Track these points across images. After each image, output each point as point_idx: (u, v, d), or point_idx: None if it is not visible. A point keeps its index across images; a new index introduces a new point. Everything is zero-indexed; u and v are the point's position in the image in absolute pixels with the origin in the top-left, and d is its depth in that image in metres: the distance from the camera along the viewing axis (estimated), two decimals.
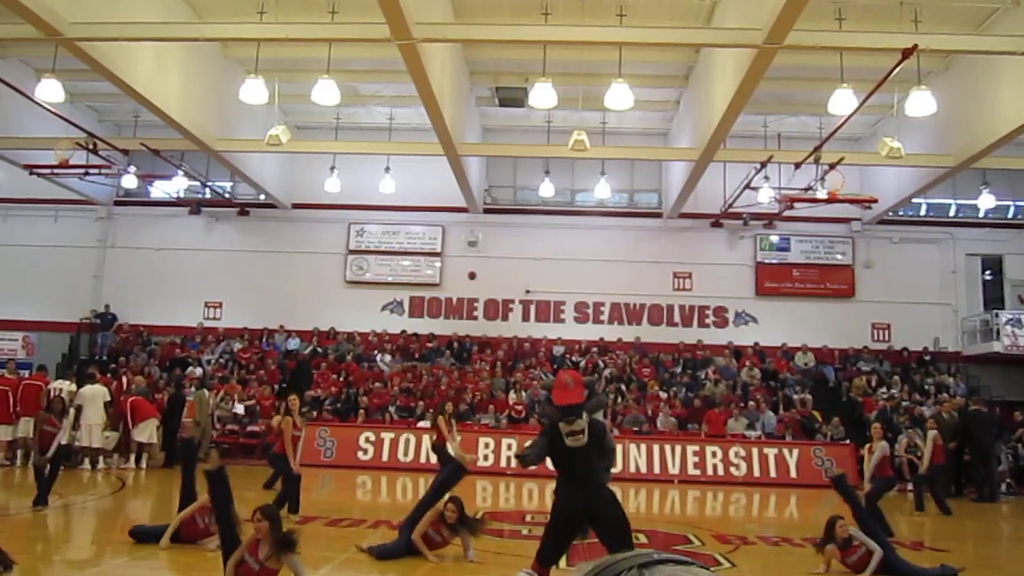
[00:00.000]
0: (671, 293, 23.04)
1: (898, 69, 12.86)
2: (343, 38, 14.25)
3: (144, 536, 8.21)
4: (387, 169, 21.52)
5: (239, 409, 19.15)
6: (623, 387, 20.21)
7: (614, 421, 18.51)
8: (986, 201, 20.68)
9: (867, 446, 11.64)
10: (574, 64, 16.32)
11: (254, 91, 14.43)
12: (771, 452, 17.42)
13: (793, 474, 17.17)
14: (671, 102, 20.96)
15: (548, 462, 6.63)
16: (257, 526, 6.40)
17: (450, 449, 12.03)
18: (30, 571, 7.23)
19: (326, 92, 14.40)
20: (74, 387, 15.41)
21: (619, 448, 17.21)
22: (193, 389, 18.47)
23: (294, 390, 14.79)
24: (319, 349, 22.34)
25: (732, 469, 17.22)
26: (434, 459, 13.60)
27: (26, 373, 17.93)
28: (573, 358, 21.92)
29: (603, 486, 6.50)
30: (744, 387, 20.58)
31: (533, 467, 6.80)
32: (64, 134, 17.95)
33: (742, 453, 17.35)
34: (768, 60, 12.59)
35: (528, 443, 6.75)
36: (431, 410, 16.99)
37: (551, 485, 13.51)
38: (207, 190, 22.69)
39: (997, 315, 21.10)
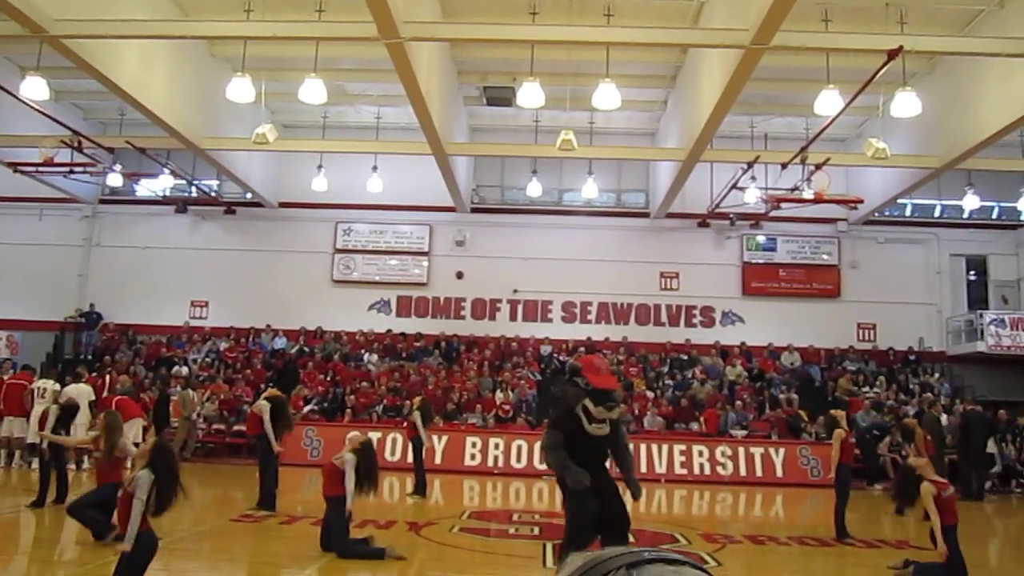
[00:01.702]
0: (658, 293, 23.10)
1: (884, 70, 12.93)
2: (330, 37, 14.20)
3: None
4: (374, 168, 21.48)
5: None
6: None
7: None
8: (971, 202, 20.80)
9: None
10: (562, 64, 16.33)
11: (241, 89, 14.36)
12: (757, 451, 17.49)
13: (779, 473, 17.25)
14: (658, 102, 21.01)
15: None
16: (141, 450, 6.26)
17: None
18: (15, 571, 7.19)
19: (313, 91, 14.35)
20: (58, 386, 15.30)
21: None
22: (179, 389, 18.45)
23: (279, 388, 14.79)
24: (306, 348, 22.28)
25: (719, 468, 17.28)
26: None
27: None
28: (560, 357, 21.94)
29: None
30: (731, 386, 20.65)
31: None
32: (49, 132, 17.82)
33: (728, 452, 17.41)
34: (755, 61, 12.64)
35: (551, 451, 6.10)
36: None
37: (537, 484, 13.52)
38: (193, 189, 22.59)
39: (981, 315, 21.26)
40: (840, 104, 14.14)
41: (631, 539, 9.54)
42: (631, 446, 6.58)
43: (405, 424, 14.50)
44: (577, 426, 5.85)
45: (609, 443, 6.06)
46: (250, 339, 22.72)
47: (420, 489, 13.08)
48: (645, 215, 23.55)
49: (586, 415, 5.84)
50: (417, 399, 14.31)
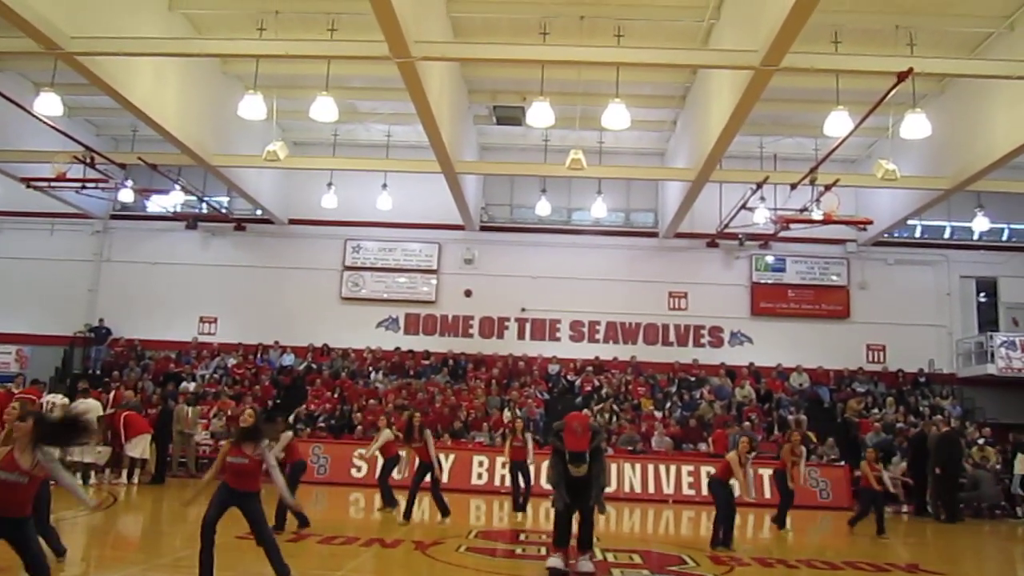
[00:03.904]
0: (666, 312, 23.05)
1: (893, 92, 12.97)
2: (342, 55, 14.31)
3: None
4: (384, 186, 21.57)
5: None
6: (617, 406, 20.17)
7: (609, 440, 18.45)
8: (980, 223, 20.74)
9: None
10: (571, 83, 16.40)
11: (252, 107, 14.45)
12: (766, 472, 17.31)
13: None
14: (668, 122, 21.06)
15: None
16: (16, 426, 5.50)
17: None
18: None
19: (324, 109, 14.44)
20: (67, 400, 15.31)
21: (614, 467, 17.20)
22: (185, 405, 18.43)
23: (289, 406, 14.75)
24: (313, 365, 22.28)
25: None
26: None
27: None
28: (568, 377, 21.88)
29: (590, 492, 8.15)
30: (739, 407, 20.55)
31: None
32: (62, 148, 17.97)
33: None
34: (765, 82, 12.66)
35: (550, 476, 8.47)
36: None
37: (544, 504, 13.55)
38: (204, 205, 22.68)
39: (991, 337, 21.15)
40: (850, 125, 14.15)
41: (639, 560, 9.54)
42: (609, 466, 9.43)
43: (509, 444, 13.98)
44: (564, 462, 8.11)
45: (589, 470, 8.08)
46: (258, 355, 22.74)
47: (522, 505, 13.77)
48: (654, 235, 23.55)
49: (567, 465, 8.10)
50: (519, 422, 14.33)
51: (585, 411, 18.59)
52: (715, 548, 10.52)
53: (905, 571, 9.81)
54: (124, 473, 15.77)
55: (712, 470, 14.80)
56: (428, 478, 12.17)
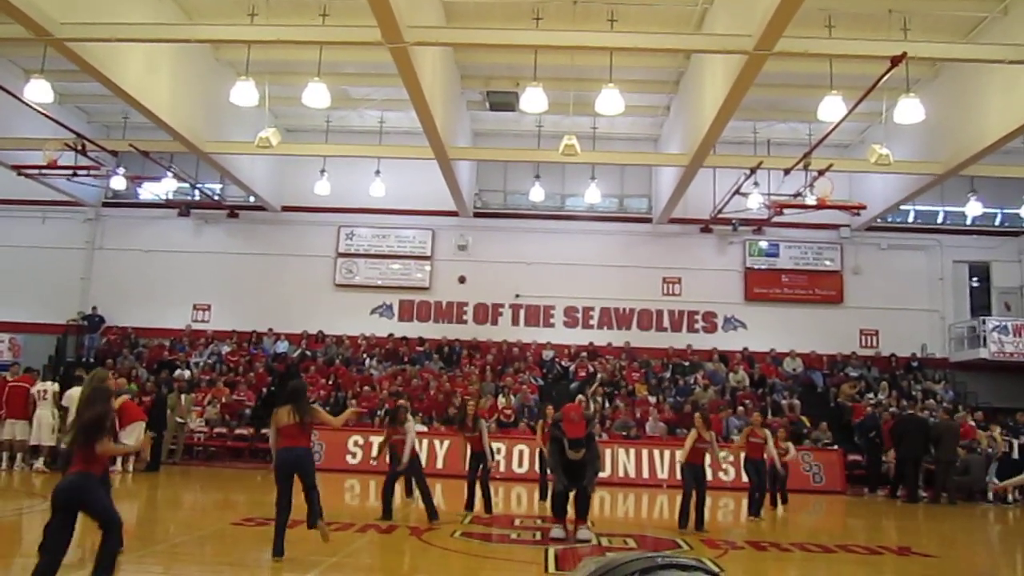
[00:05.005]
0: (660, 298, 23.08)
1: (887, 76, 12.95)
2: (334, 41, 14.24)
3: None
4: (377, 172, 21.50)
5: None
6: (612, 392, 20.21)
7: (603, 426, 18.53)
8: (973, 208, 20.79)
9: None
10: (565, 69, 16.36)
11: (244, 93, 14.38)
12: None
13: None
14: (661, 107, 21.02)
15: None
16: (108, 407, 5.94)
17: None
18: (10, 574, 7.18)
19: (317, 95, 14.38)
20: (57, 387, 15.32)
21: (608, 452, 17.27)
22: (179, 393, 18.43)
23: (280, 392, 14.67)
24: (308, 352, 22.26)
25: (720, 474, 17.22)
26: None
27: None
28: (562, 363, 21.91)
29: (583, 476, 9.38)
30: (732, 392, 20.61)
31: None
32: (53, 135, 17.85)
33: (731, 458, 17.34)
34: (758, 66, 12.64)
35: (550, 461, 9.95)
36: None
37: (537, 490, 13.65)
38: (196, 192, 22.59)
39: (984, 322, 21.25)
40: (843, 110, 14.15)
41: (633, 544, 9.60)
42: (602, 452, 10.89)
43: (541, 431, 13.32)
44: (562, 448, 9.40)
45: (584, 455, 9.38)
46: (252, 343, 22.72)
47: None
48: (647, 220, 23.55)
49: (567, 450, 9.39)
50: (550, 408, 13.42)
51: (580, 397, 18.64)
52: (697, 530, 10.69)
53: (897, 554, 9.88)
54: (119, 460, 15.76)
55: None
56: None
